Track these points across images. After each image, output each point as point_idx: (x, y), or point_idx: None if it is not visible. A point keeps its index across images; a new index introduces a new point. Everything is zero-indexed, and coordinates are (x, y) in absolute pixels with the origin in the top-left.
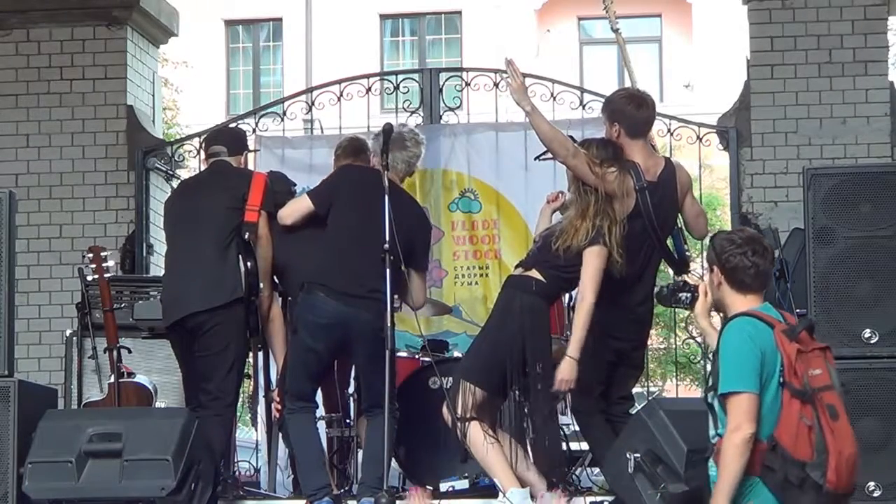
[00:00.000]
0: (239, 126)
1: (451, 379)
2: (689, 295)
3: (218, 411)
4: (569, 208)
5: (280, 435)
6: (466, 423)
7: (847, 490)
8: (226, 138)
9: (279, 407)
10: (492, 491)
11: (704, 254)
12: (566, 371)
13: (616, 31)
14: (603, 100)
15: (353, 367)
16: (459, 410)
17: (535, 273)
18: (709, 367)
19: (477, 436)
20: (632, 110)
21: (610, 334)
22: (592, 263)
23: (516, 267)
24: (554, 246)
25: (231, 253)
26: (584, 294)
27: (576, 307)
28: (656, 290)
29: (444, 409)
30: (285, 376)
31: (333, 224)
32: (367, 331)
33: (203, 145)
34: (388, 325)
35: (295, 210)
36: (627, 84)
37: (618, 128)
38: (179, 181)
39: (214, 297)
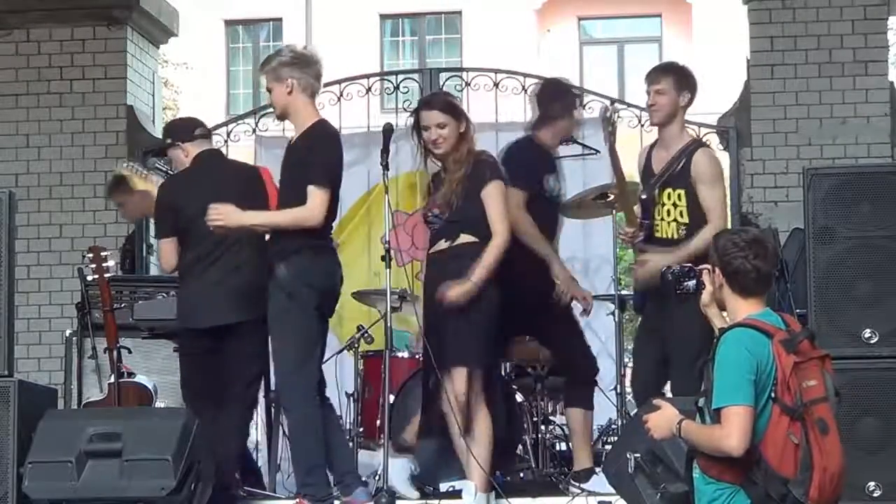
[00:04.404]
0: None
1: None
2: (694, 283)
3: (241, 410)
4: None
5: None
6: (480, 409)
7: None
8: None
9: None
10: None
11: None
12: (459, 291)
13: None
14: (602, 100)
15: None
16: (474, 395)
17: (466, 238)
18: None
19: (489, 425)
20: None
21: None
22: (492, 204)
23: (437, 242)
24: (455, 202)
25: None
26: (497, 231)
27: (489, 245)
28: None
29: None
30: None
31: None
32: None
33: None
34: (388, 324)
35: (323, 207)
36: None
37: None
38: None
39: (249, 309)
